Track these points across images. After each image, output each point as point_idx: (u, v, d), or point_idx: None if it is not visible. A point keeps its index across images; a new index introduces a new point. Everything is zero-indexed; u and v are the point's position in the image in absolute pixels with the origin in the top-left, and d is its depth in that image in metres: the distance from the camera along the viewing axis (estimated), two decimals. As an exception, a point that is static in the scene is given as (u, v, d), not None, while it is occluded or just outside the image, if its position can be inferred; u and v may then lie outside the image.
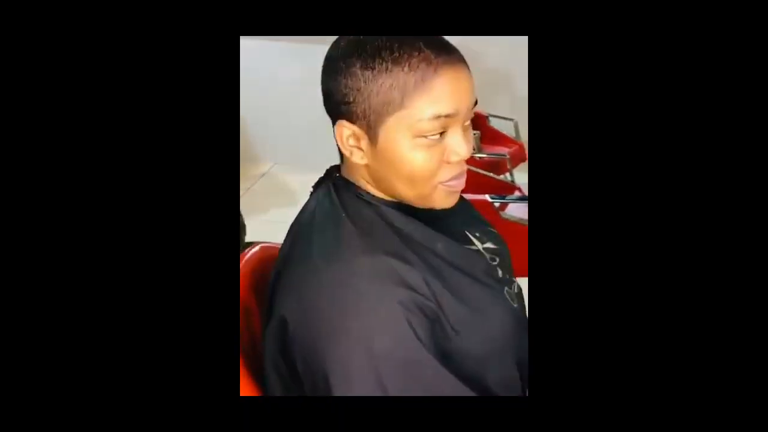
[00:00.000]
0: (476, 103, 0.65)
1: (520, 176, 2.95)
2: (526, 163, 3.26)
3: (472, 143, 0.63)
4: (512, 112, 3.48)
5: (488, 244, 0.77)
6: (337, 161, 0.75)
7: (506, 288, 0.75)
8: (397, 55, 0.60)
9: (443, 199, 0.66)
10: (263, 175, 3.58)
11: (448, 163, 0.63)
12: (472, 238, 0.76)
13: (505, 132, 3.33)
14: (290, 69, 3.48)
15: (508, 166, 2.92)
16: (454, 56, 0.61)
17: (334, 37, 0.66)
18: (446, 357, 0.62)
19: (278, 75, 3.41)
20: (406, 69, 0.59)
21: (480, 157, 2.87)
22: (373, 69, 0.60)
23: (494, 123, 3.36)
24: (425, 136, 0.60)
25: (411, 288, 0.60)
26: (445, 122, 0.60)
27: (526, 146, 3.33)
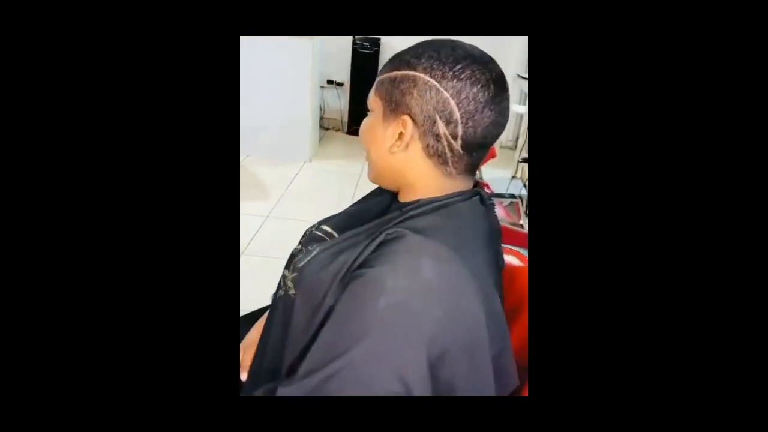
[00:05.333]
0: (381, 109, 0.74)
1: (488, 171, 3.01)
2: (494, 159, 3.33)
3: (364, 127, 0.77)
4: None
5: (344, 243, 0.75)
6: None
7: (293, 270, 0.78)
8: None
9: None
10: (235, 167, 3.56)
11: None
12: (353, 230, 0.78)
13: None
14: (264, 62, 3.48)
15: (477, 163, 2.96)
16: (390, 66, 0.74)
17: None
18: None
19: (252, 68, 3.39)
20: None
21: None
22: None
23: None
24: None
25: None
26: None
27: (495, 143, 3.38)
